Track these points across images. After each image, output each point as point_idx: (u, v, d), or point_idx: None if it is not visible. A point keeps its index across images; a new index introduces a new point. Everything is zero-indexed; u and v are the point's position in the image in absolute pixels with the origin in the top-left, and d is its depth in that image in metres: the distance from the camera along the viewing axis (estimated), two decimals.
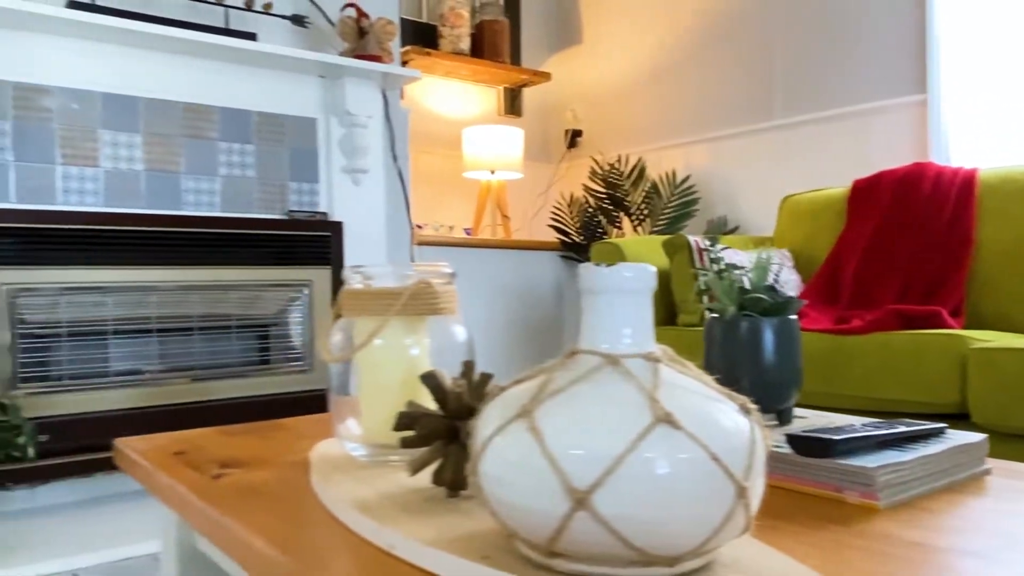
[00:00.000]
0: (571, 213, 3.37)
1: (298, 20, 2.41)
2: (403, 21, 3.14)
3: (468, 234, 3.41)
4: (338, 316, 0.83)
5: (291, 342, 2.36)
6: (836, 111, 2.76)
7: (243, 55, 2.25)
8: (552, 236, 3.49)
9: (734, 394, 0.49)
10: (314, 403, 2.35)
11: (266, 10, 2.34)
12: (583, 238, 3.33)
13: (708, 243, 0.93)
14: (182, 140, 2.24)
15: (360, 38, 2.46)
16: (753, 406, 0.48)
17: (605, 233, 3.29)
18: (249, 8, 2.31)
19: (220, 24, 2.29)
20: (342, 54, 2.47)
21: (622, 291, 0.50)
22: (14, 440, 1.72)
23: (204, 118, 2.27)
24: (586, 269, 0.51)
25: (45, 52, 2.03)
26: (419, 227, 3.15)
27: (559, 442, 0.45)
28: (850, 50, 2.72)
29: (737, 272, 0.83)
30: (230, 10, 2.31)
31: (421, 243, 2.94)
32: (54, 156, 2.04)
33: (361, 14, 2.48)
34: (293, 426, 1.09)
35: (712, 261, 0.82)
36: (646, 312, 0.51)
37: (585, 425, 0.46)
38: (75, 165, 2.07)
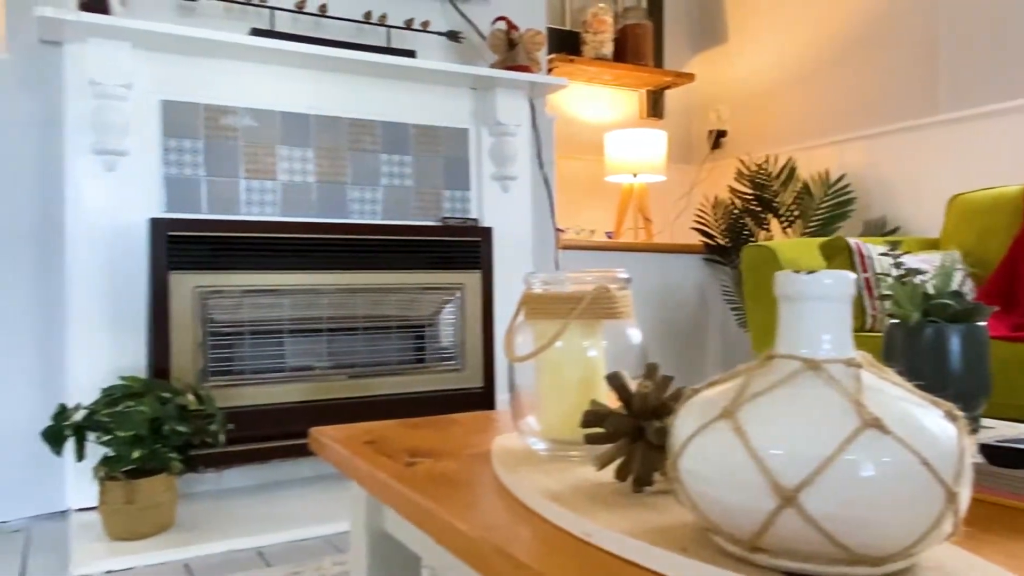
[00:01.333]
0: (715, 215, 3.32)
1: (453, 36, 2.52)
2: (547, 30, 3.21)
3: (610, 237, 3.43)
4: (519, 318, 0.88)
5: (444, 342, 2.47)
6: (1009, 104, 2.56)
7: (404, 71, 2.39)
8: (695, 239, 3.45)
9: (939, 400, 0.50)
10: (465, 400, 2.45)
11: (424, 28, 2.47)
12: (728, 240, 3.27)
13: (889, 248, 0.91)
14: (348, 153, 2.40)
15: (510, 49, 2.54)
16: (959, 412, 0.49)
17: (752, 235, 3.22)
18: (409, 27, 2.45)
19: (382, 43, 2.44)
20: (492, 66, 2.56)
21: (822, 298, 0.52)
22: (207, 427, 1.91)
23: (367, 132, 2.43)
24: (785, 276, 0.53)
25: (231, 76, 2.23)
26: (561, 231, 3.20)
27: (764, 442, 0.48)
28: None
29: (920, 278, 0.82)
30: (391, 30, 2.46)
31: (564, 247, 2.99)
32: (238, 171, 2.24)
33: (511, 26, 2.56)
34: (466, 421, 1.16)
35: (894, 266, 0.81)
36: (845, 318, 0.52)
37: (790, 427, 0.48)
38: (256, 179, 2.27)
